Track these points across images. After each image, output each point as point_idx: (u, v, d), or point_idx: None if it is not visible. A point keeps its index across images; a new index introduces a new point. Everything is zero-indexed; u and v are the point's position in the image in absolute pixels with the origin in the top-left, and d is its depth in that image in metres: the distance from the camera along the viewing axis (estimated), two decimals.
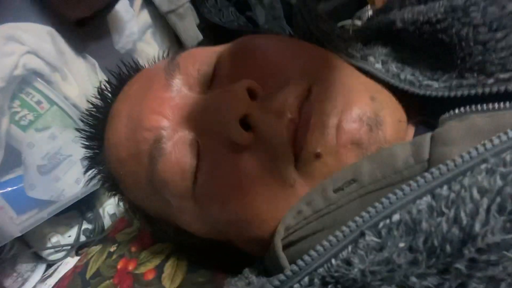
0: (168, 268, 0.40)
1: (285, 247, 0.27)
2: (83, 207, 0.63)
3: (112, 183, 0.39)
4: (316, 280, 0.22)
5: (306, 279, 0.22)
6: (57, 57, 0.58)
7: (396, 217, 0.21)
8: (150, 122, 0.32)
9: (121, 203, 0.42)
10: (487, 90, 0.27)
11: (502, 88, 0.26)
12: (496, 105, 0.26)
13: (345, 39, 0.37)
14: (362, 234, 0.21)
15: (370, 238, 0.21)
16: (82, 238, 0.62)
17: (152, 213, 0.37)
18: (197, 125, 0.31)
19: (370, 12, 1.01)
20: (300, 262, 0.22)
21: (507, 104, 0.26)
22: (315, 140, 0.27)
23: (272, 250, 0.27)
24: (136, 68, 0.42)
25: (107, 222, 0.64)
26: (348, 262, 0.21)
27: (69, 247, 0.60)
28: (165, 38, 0.75)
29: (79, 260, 0.49)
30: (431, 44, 0.31)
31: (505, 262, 0.17)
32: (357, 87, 0.30)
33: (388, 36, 0.36)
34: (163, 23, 0.74)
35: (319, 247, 0.22)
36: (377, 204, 0.22)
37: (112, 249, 0.46)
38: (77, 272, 0.45)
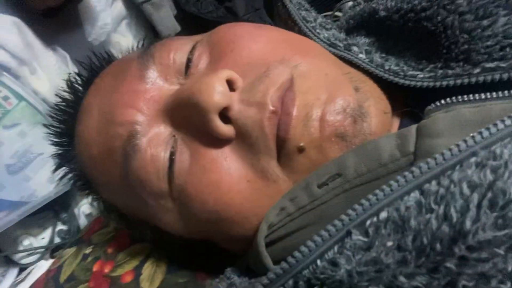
0: (146, 269, 0.38)
1: (269, 245, 0.26)
2: (57, 207, 0.60)
3: (84, 182, 0.37)
4: (301, 283, 0.21)
5: (291, 282, 0.21)
6: (24, 49, 0.55)
7: (383, 214, 0.20)
8: (123, 116, 0.30)
9: (95, 203, 0.39)
10: (473, 79, 0.26)
11: (489, 78, 0.26)
12: (483, 95, 0.26)
13: (327, 28, 0.36)
14: (349, 233, 0.20)
15: (357, 237, 0.20)
16: (57, 240, 0.59)
17: (128, 213, 0.35)
18: (174, 118, 0.29)
19: (351, 3, 1.01)
20: (284, 265, 0.21)
21: (494, 94, 0.25)
22: (298, 133, 0.26)
23: (255, 248, 0.26)
24: (108, 60, 0.40)
25: (83, 222, 0.61)
26: (334, 263, 0.20)
27: (42, 249, 0.57)
28: (140, 30, 0.72)
29: (52, 264, 0.46)
30: (415, 33, 0.30)
31: (496, 259, 0.17)
32: (341, 77, 0.29)
33: (372, 25, 0.35)
34: (138, 13, 0.71)
35: (303, 248, 0.21)
36: (363, 201, 0.21)
37: (87, 251, 0.43)
38: (50, 276, 0.43)
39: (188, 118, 0.28)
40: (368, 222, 0.20)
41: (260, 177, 0.27)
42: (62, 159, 0.38)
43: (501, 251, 0.17)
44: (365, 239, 0.20)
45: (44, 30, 0.58)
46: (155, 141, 0.29)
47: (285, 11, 0.38)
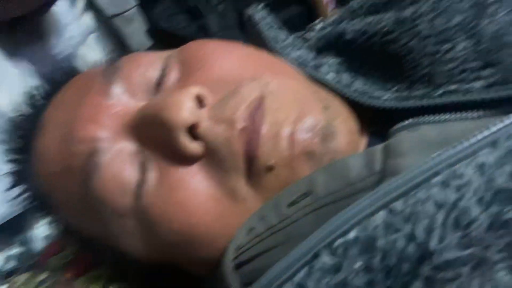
0: None
1: (237, 267, 0.25)
2: (10, 229, 0.56)
3: (41, 201, 0.34)
4: None
5: None
6: None
7: (352, 234, 0.20)
8: (85, 132, 0.28)
9: (52, 224, 0.37)
10: (435, 101, 0.27)
11: (450, 100, 0.27)
12: (445, 116, 0.27)
13: (297, 48, 0.37)
14: (317, 255, 0.20)
15: (326, 258, 0.19)
16: (10, 265, 0.55)
17: (87, 235, 0.33)
18: (141, 135, 0.28)
19: (320, 26, 1.04)
20: None
21: (455, 115, 0.26)
22: (267, 151, 0.26)
23: (222, 271, 0.25)
24: (72, 73, 0.38)
25: (38, 246, 0.58)
26: (302, 287, 0.19)
27: None
28: (109, 43, 0.71)
29: None
30: (380, 56, 0.31)
31: (461, 278, 0.17)
32: (310, 96, 0.29)
33: (340, 46, 0.36)
34: (108, 27, 0.70)
35: (270, 273, 0.20)
36: (332, 219, 0.20)
37: (43, 277, 0.41)
38: None
39: (155, 135, 0.27)
40: (336, 242, 0.20)
41: (228, 196, 0.26)
42: (18, 177, 0.36)
43: (466, 271, 0.17)
44: (334, 261, 0.19)
45: (7, 41, 0.56)
46: (119, 158, 0.28)
47: (256, 31, 0.38)
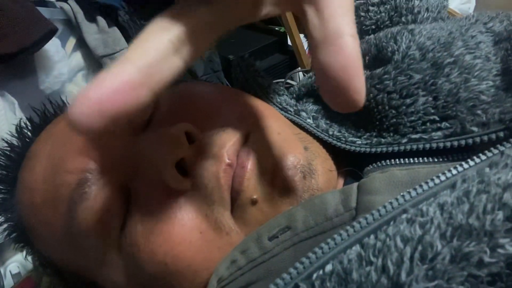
0: None
1: None
2: None
3: (21, 232, 0.34)
4: None
5: None
6: None
7: (328, 267, 0.21)
8: (74, 163, 0.29)
9: (28, 258, 0.36)
10: (402, 148, 0.30)
11: (414, 147, 0.29)
12: (412, 159, 0.29)
13: (279, 94, 0.39)
14: (297, 287, 0.21)
15: None
16: None
17: (66, 269, 0.32)
18: (129, 168, 0.29)
19: (301, 74, 1.10)
20: None
21: (421, 159, 0.29)
22: (251, 185, 0.27)
23: None
24: (63, 107, 0.40)
25: (8, 283, 0.55)
26: None
27: None
28: None
29: None
30: None
31: None
32: (292, 137, 0.31)
33: (319, 95, 0.38)
34: (96, 66, 0.72)
35: None
36: (310, 254, 0.21)
37: None
38: None
39: (143, 169, 0.28)
40: (314, 275, 0.21)
41: (213, 228, 0.27)
42: (0, 207, 0.35)
43: None
44: None
45: None
46: (107, 190, 0.28)
47: (243, 76, 0.41)
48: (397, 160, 0.29)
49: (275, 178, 0.28)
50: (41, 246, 0.33)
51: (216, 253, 0.27)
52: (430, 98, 0.29)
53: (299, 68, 1.00)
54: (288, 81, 0.95)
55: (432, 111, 0.29)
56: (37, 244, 0.33)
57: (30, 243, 0.34)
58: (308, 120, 0.35)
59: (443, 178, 0.23)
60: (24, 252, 0.36)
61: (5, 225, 0.35)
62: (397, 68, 0.31)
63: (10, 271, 0.55)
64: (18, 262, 0.55)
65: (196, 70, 0.79)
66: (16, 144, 0.36)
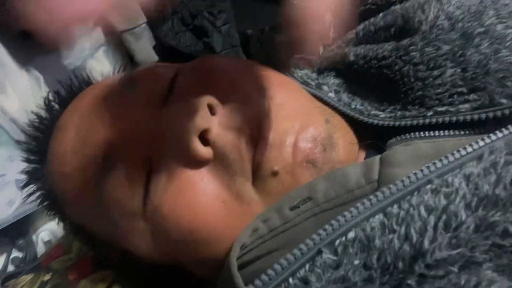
0: None
1: (240, 267, 0.26)
2: (14, 232, 0.56)
3: (52, 201, 0.35)
4: None
5: None
6: None
7: (351, 234, 0.21)
8: (101, 135, 0.30)
9: (60, 225, 0.38)
10: (427, 121, 0.29)
11: (440, 120, 0.29)
12: (437, 132, 0.29)
13: (300, 68, 0.39)
14: (319, 252, 0.21)
15: (327, 255, 0.21)
16: (10, 268, 0.55)
17: (96, 235, 0.34)
18: (153, 140, 0.29)
19: (321, 48, 1.08)
20: (257, 282, 0.22)
21: (446, 132, 0.28)
22: (272, 157, 0.28)
23: (226, 270, 0.26)
24: (88, 82, 0.40)
25: (40, 250, 0.58)
26: (305, 281, 0.21)
27: None
28: (118, 57, 0.73)
29: None
30: (378, 78, 0.33)
31: (451, 275, 0.18)
32: (313, 110, 0.31)
33: (341, 68, 0.38)
34: (117, 42, 0.72)
35: (277, 266, 0.22)
36: (333, 221, 0.22)
37: (45, 278, 0.41)
38: None
39: (167, 140, 0.29)
40: (337, 242, 0.21)
41: (235, 199, 0.28)
42: (32, 176, 0.37)
43: (455, 269, 0.18)
44: (334, 258, 0.21)
45: (19, 50, 0.58)
46: (131, 162, 0.29)
47: (263, 50, 0.40)
48: (421, 133, 0.29)
49: (296, 150, 0.28)
50: (72, 213, 0.34)
51: (238, 221, 0.28)
52: (459, 70, 0.28)
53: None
54: (308, 57, 0.94)
55: (460, 83, 0.28)
56: (68, 211, 0.35)
57: (61, 211, 0.36)
58: (330, 94, 0.35)
59: (469, 149, 0.23)
60: (56, 220, 0.38)
61: (37, 194, 0.37)
62: (424, 39, 0.30)
63: (41, 239, 0.58)
64: (49, 230, 0.58)
65: (214, 46, 0.79)
66: (44, 116, 0.37)
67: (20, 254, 0.56)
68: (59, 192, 0.33)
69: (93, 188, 0.30)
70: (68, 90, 0.39)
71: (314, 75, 0.38)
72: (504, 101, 0.26)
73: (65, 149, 0.32)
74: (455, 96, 0.28)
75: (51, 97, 0.38)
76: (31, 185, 0.37)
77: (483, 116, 0.27)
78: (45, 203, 0.37)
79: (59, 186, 0.33)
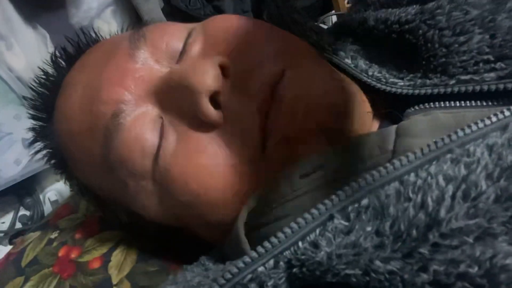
0: (116, 256, 0.37)
1: (248, 233, 0.26)
2: (21, 191, 0.57)
3: (59, 159, 0.35)
4: (281, 263, 0.21)
5: (272, 261, 0.21)
6: (2, 23, 0.53)
7: (365, 201, 0.21)
8: (110, 94, 0.29)
9: (68, 184, 0.38)
10: (448, 90, 0.28)
11: (463, 89, 0.27)
12: (458, 103, 0.27)
13: (317, 32, 0.37)
14: (331, 217, 0.21)
15: (339, 221, 0.21)
16: (18, 226, 0.56)
17: (103, 195, 0.34)
18: (163, 100, 0.29)
19: (334, 18, 1.04)
20: (266, 244, 0.22)
21: (468, 103, 0.27)
22: (285, 124, 0.27)
23: (234, 234, 0.26)
24: (96, 39, 0.39)
25: (47, 209, 0.58)
26: (315, 245, 0.20)
27: (1, 234, 0.54)
28: (126, 18, 0.71)
29: (13, 247, 0.44)
30: (398, 44, 0.32)
31: (465, 246, 0.18)
32: (328, 76, 0.30)
33: (359, 33, 0.36)
34: (125, 2, 0.70)
35: (287, 229, 0.21)
36: (346, 187, 0.21)
37: (52, 236, 0.42)
38: (11, 260, 0.41)
39: (178, 100, 0.28)
40: (350, 208, 0.21)
41: (244, 163, 0.27)
42: (39, 134, 0.36)
43: (470, 240, 0.18)
44: (346, 223, 0.20)
45: (26, 6, 0.56)
46: (141, 121, 0.28)
47: (278, 12, 0.39)
48: (441, 103, 0.28)
49: (309, 117, 0.27)
50: (80, 173, 0.34)
51: (246, 187, 0.27)
52: (487, 36, 0.27)
53: (333, 11, 0.95)
54: (321, 25, 0.91)
55: (487, 50, 0.27)
56: (75, 171, 0.34)
57: (69, 170, 0.35)
58: (346, 60, 0.34)
59: (494, 119, 0.22)
60: (63, 181, 0.38)
61: (44, 152, 0.36)
62: (452, 1, 0.28)
63: (48, 198, 0.58)
64: (56, 190, 0.58)
65: (225, 10, 0.76)
66: (51, 73, 0.37)
67: (27, 212, 0.57)
68: (66, 150, 0.33)
69: (101, 147, 0.29)
70: (76, 47, 0.38)
71: (330, 40, 0.36)
72: None
73: (72, 107, 0.31)
74: (481, 64, 0.27)
75: (57, 54, 0.37)
76: (38, 143, 0.37)
77: (510, 86, 0.25)
78: (52, 161, 0.36)
79: (66, 145, 0.33)
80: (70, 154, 0.33)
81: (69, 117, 0.31)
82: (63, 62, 0.37)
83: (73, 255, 0.38)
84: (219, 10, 0.76)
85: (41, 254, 0.40)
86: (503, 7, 0.27)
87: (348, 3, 0.88)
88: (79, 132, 0.31)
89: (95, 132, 0.29)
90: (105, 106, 0.29)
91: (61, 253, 0.39)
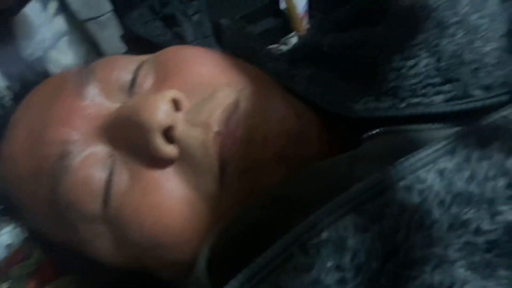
0: None
1: (210, 269, 0.25)
2: None
3: (6, 205, 0.33)
4: None
5: None
6: None
7: (325, 234, 0.20)
8: (56, 134, 0.28)
9: (17, 231, 0.36)
10: (400, 113, 0.28)
11: (413, 112, 0.28)
12: (410, 126, 0.28)
13: (271, 58, 0.38)
14: (292, 254, 0.20)
15: (299, 257, 0.20)
16: None
17: (55, 241, 0.32)
18: (114, 137, 0.28)
19: (295, 39, 1.07)
20: (233, 282, 0.20)
21: (420, 126, 0.28)
22: (242, 154, 0.26)
23: (195, 274, 0.25)
24: (45, 75, 0.38)
25: (1, 254, 0.54)
26: (277, 286, 0.20)
27: None
28: (82, 48, 0.70)
29: None
30: (351, 69, 0.33)
31: (424, 275, 0.18)
32: (284, 103, 0.30)
33: (313, 59, 0.37)
34: (81, 31, 0.68)
35: (246, 270, 0.21)
36: (305, 222, 0.21)
37: (5, 287, 0.39)
38: None
39: (129, 137, 0.27)
40: (309, 243, 0.20)
41: (202, 199, 0.27)
42: None
43: (429, 268, 0.18)
44: (306, 260, 0.20)
45: None
46: (90, 161, 0.27)
47: (233, 40, 0.39)
48: (395, 126, 0.28)
49: (266, 146, 0.27)
50: (28, 218, 0.32)
51: (206, 223, 0.26)
52: (433, 60, 0.28)
53: (294, 33, 0.97)
54: (282, 47, 0.93)
55: (434, 73, 0.28)
56: (23, 216, 0.32)
57: (17, 215, 0.33)
58: (302, 85, 0.34)
59: (443, 143, 0.22)
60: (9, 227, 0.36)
61: None
62: (399, 27, 0.29)
63: (2, 243, 0.54)
64: (7, 235, 0.55)
65: (186, 35, 0.76)
66: None
67: None
68: (13, 195, 0.31)
69: (48, 191, 0.28)
70: (22, 84, 0.36)
71: (285, 66, 0.37)
72: (477, 92, 0.26)
73: (16, 149, 0.30)
74: (429, 88, 0.28)
75: (3, 93, 0.35)
76: None
77: (457, 108, 0.26)
78: (0, 207, 0.34)
79: (13, 190, 0.31)
80: (16, 199, 0.31)
81: (14, 160, 0.30)
82: (10, 101, 0.35)
83: None
84: (179, 36, 0.76)
85: None
86: (445, 32, 0.28)
87: (307, 24, 0.91)
88: (25, 176, 0.29)
89: (41, 176, 0.28)
90: (51, 148, 0.28)
91: None
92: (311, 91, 0.33)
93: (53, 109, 0.29)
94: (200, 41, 0.77)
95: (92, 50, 0.71)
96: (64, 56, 0.66)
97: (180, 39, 0.76)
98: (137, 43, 0.77)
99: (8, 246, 0.55)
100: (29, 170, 0.28)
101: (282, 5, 0.97)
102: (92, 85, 0.29)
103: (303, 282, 0.19)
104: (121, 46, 0.71)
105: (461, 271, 0.18)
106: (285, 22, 0.96)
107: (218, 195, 0.27)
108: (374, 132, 0.29)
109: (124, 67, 0.30)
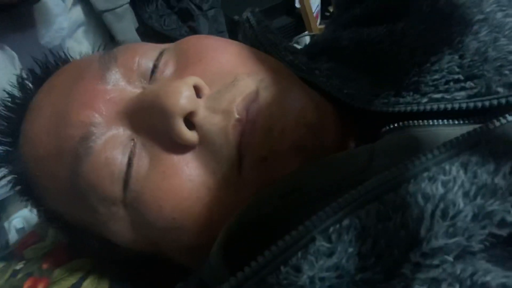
0: (86, 287, 0.35)
1: (226, 255, 0.25)
2: None
3: (25, 185, 0.33)
4: None
5: None
6: None
7: (346, 222, 0.20)
8: (79, 116, 0.28)
9: (34, 211, 0.36)
10: (421, 108, 0.28)
11: (435, 107, 0.28)
12: (431, 121, 0.28)
13: (291, 52, 0.38)
14: (313, 239, 0.20)
15: (321, 243, 0.20)
16: None
17: (72, 222, 0.32)
18: (135, 122, 0.28)
19: (307, 38, 1.07)
20: (247, 269, 0.21)
21: (440, 121, 0.28)
22: (261, 143, 0.27)
23: (212, 259, 0.25)
24: (65, 60, 0.38)
25: (13, 237, 0.55)
26: (297, 269, 0.20)
27: None
28: (98, 38, 0.70)
29: None
30: (371, 64, 0.33)
31: (446, 264, 0.18)
32: (303, 94, 0.30)
33: (333, 53, 0.37)
34: (97, 22, 0.69)
35: (267, 253, 0.21)
36: (327, 208, 0.21)
37: (18, 267, 0.39)
38: None
39: (150, 122, 0.27)
40: (331, 229, 0.20)
41: (221, 185, 0.27)
42: (3, 160, 0.34)
43: (451, 258, 0.18)
44: (328, 245, 0.20)
45: None
46: (112, 144, 0.27)
47: (252, 32, 0.39)
48: (415, 121, 0.28)
49: (284, 136, 0.27)
50: (47, 199, 0.32)
51: (223, 209, 0.27)
52: (456, 57, 0.28)
53: (307, 32, 0.97)
54: (295, 45, 0.93)
55: (457, 70, 0.28)
56: (41, 197, 0.33)
57: (35, 197, 0.34)
58: (321, 78, 0.34)
59: (466, 137, 0.22)
60: (29, 207, 0.36)
61: (9, 178, 0.35)
62: (422, 22, 0.29)
63: (14, 226, 0.55)
64: (23, 217, 0.55)
65: (200, 30, 0.76)
66: (17, 95, 0.35)
67: None
68: (33, 176, 0.31)
69: (69, 172, 0.28)
70: (44, 68, 0.36)
71: (305, 59, 0.37)
72: (500, 89, 0.26)
73: (38, 130, 0.30)
74: (451, 83, 0.28)
75: (24, 75, 0.36)
76: (2, 169, 0.35)
77: (479, 104, 0.26)
78: (18, 188, 0.35)
79: (33, 170, 0.31)
80: (36, 180, 0.31)
81: (36, 141, 0.30)
82: (30, 84, 0.36)
83: (40, 287, 0.36)
84: (194, 31, 0.76)
85: (5, 287, 0.37)
86: (469, 29, 0.28)
87: (320, 24, 0.91)
88: (46, 156, 0.29)
89: (63, 157, 0.28)
90: (74, 129, 0.28)
91: (26, 285, 0.37)
92: (331, 84, 0.33)
93: (76, 92, 0.29)
94: (215, 35, 0.78)
95: (108, 40, 0.72)
96: (80, 46, 0.67)
97: (195, 33, 0.77)
98: (152, 37, 0.77)
99: (20, 230, 0.56)
100: (51, 151, 0.29)
101: (297, 4, 0.98)
102: (114, 70, 0.30)
103: (323, 267, 0.19)
104: (136, 38, 0.72)
105: (482, 262, 0.18)
106: (299, 21, 0.96)
107: (235, 182, 0.27)
108: (393, 126, 0.29)
109: (146, 54, 0.31)
